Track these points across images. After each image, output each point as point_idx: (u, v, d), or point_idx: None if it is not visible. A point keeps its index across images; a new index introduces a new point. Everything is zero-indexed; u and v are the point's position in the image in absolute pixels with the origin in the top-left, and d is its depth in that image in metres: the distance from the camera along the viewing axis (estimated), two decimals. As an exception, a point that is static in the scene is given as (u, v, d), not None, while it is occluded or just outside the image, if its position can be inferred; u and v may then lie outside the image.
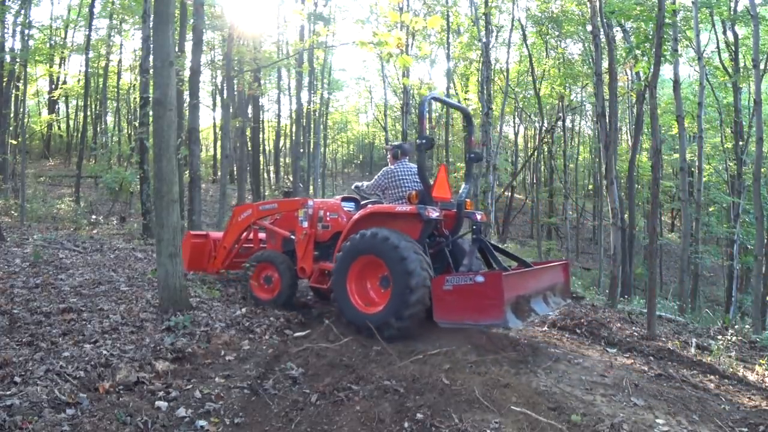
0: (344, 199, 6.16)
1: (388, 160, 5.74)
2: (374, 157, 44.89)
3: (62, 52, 23.60)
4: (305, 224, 5.84)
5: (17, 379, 3.19)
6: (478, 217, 5.41)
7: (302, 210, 5.89)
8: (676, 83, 12.35)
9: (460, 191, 5.63)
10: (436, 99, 6.12)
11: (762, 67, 14.49)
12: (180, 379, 3.68)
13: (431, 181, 5.21)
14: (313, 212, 5.89)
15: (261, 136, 29.01)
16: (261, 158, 29.29)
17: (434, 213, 4.90)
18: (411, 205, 4.99)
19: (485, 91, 14.98)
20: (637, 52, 10.87)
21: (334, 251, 5.50)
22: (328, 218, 5.85)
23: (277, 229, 6.22)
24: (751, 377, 4.94)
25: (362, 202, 5.92)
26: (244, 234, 6.58)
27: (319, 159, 25.42)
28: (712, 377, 4.75)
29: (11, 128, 17.96)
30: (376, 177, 5.58)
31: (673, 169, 24.57)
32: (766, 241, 11.14)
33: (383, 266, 4.88)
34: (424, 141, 5.10)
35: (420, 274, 4.61)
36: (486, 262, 5.32)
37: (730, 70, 16.30)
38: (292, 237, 5.98)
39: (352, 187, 6.14)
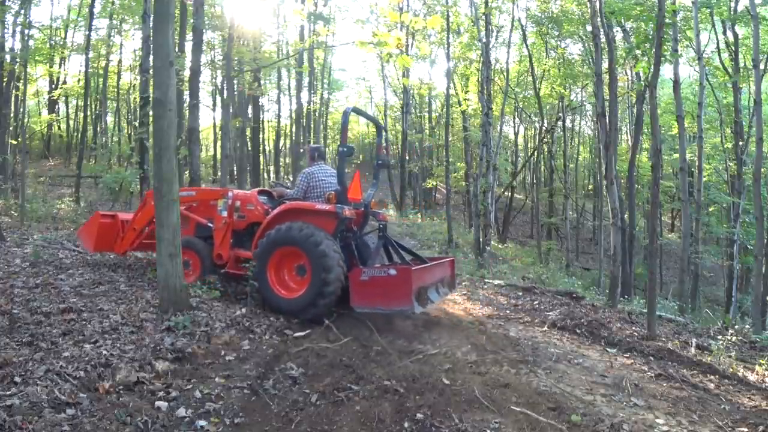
0: (260, 192, 6.59)
1: (307, 161, 6.42)
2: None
3: (62, 52, 23.57)
4: (224, 213, 6.19)
5: (17, 379, 3.18)
6: (381, 215, 6.30)
7: (222, 200, 6.22)
8: (676, 83, 12.33)
9: (366, 194, 6.27)
10: (355, 111, 6.85)
11: (762, 67, 14.50)
12: (180, 379, 3.68)
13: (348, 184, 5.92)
14: (231, 202, 6.20)
15: (261, 136, 29.01)
16: (261, 158, 29.28)
17: (348, 212, 5.61)
18: (330, 204, 5.67)
19: (485, 91, 14.96)
20: (637, 52, 10.87)
21: (248, 239, 6.03)
22: (245, 209, 6.22)
23: (193, 215, 6.44)
24: (751, 377, 4.94)
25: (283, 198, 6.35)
26: None
27: (319, 159, 25.36)
28: (712, 377, 4.74)
29: (11, 128, 17.93)
30: (298, 181, 6.14)
31: (673, 169, 24.55)
32: (766, 241, 11.14)
33: (302, 257, 5.48)
34: (345, 149, 5.77)
35: (336, 269, 5.29)
36: (388, 256, 6.15)
37: (730, 70, 16.28)
38: (210, 225, 6.26)
39: (273, 186, 6.73)
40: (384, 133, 7.45)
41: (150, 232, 6.72)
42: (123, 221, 6.93)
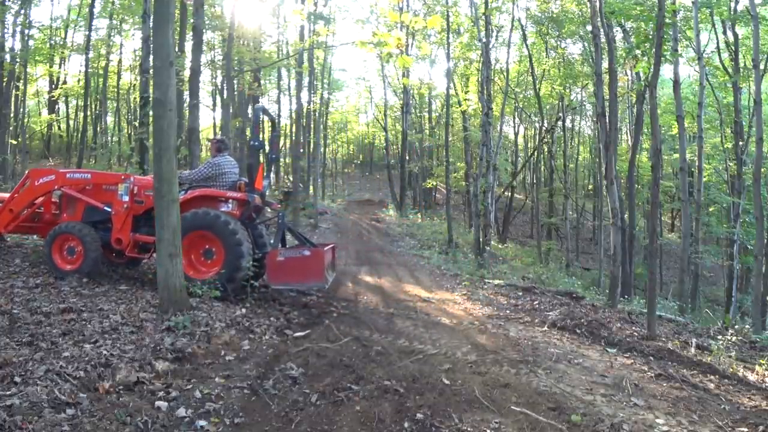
0: None
1: (211, 152, 6.67)
2: (374, 157, 44.91)
3: (62, 52, 23.56)
4: (125, 198, 6.25)
5: (17, 379, 3.18)
6: (274, 204, 7.21)
7: (123, 185, 6.26)
8: (676, 83, 12.33)
9: (263, 185, 6.62)
10: (262, 110, 7.73)
11: (762, 67, 14.48)
12: (180, 379, 3.68)
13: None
14: (132, 187, 6.27)
15: (261, 136, 28.94)
16: (261, 157, 29.19)
17: (258, 200, 6.24)
18: (241, 193, 6.18)
19: (485, 91, 14.95)
20: (637, 52, 10.86)
21: (145, 224, 6.19)
22: (142, 194, 6.28)
23: (86, 198, 6.33)
24: (751, 377, 4.93)
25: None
26: (40, 199, 6.52)
27: (319, 159, 25.42)
28: (712, 377, 4.74)
29: (11, 128, 17.93)
30: (200, 167, 6.45)
31: (673, 169, 24.54)
32: (766, 241, 11.13)
33: (214, 241, 5.88)
34: (256, 143, 6.46)
35: (247, 257, 5.80)
36: (282, 241, 6.74)
37: (730, 70, 16.26)
38: (106, 209, 6.25)
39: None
40: (277, 131, 8.47)
41: (30, 214, 6.56)
42: None
